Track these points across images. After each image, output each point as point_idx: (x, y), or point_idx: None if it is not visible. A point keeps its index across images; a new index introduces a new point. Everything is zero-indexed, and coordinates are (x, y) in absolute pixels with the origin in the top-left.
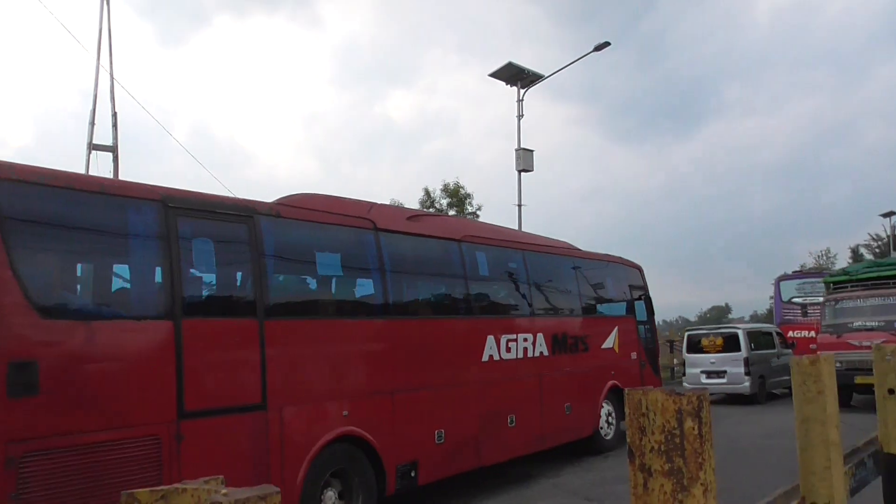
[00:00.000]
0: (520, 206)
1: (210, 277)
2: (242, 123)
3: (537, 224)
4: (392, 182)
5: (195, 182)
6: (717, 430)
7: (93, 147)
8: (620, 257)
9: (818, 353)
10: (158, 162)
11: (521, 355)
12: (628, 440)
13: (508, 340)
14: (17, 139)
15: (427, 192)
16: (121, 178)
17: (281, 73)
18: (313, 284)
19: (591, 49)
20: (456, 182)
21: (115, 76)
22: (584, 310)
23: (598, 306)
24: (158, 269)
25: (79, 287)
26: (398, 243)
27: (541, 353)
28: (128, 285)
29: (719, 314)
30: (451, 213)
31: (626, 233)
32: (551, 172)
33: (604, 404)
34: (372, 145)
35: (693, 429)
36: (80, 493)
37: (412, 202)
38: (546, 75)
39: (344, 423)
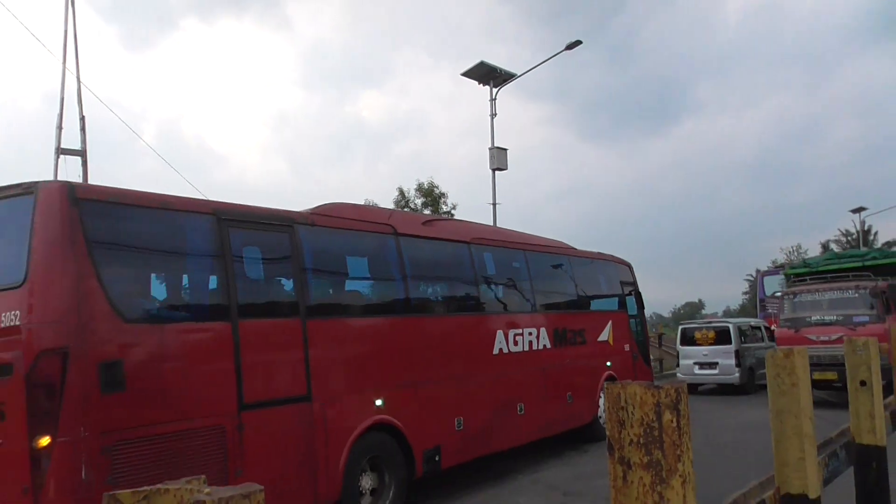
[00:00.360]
0: (494, 204)
1: (259, 282)
2: (212, 126)
3: (512, 222)
4: (365, 183)
5: (166, 185)
6: (700, 422)
7: (61, 151)
8: (612, 255)
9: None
10: (128, 165)
11: (526, 348)
12: (608, 433)
13: (515, 335)
14: None
15: (401, 192)
16: (90, 181)
17: (250, 76)
18: (346, 286)
19: (563, 48)
20: (430, 181)
21: (81, 80)
22: (581, 305)
23: (593, 302)
24: (216, 276)
25: (151, 294)
26: (416, 246)
27: (544, 346)
28: (191, 291)
29: (692, 310)
30: (426, 212)
31: (599, 231)
32: (525, 171)
33: (601, 393)
34: (343, 147)
35: (671, 421)
36: (160, 477)
37: (386, 202)
38: (518, 74)
39: (377, 412)
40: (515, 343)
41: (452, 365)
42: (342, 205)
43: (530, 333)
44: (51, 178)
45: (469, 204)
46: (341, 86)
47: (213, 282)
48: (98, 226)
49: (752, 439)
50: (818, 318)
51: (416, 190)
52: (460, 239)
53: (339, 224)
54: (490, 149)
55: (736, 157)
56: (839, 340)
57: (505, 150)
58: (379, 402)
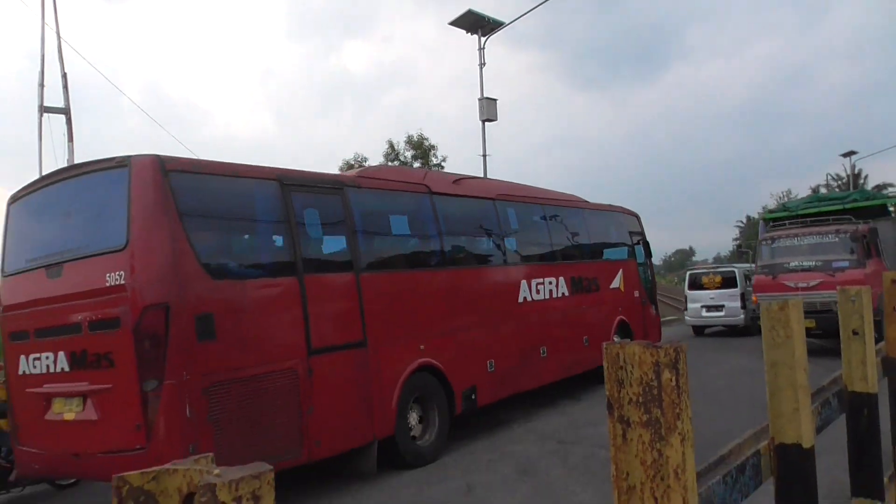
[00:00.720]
0: (485, 156)
1: (318, 240)
2: (196, 81)
3: (503, 174)
4: (352, 137)
5: (153, 142)
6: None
7: (44, 110)
8: (621, 206)
9: (755, 296)
10: (113, 122)
11: (547, 296)
12: (607, 393)
13: (537, 284)
14: None
15: (391, 145)
16: (75, 141)
17: (233, 28)
18: (390, 243)
19: None
20: (419, 134)
21: (61, 36)
22: (594, 255)
23: (605, 251)
24: (282, 236)
25: (231, 253)
26: (448, 204)
27: (562, 293)
28: (264, 250)
29: (683, 258)
30: (416, 165)
31: (590, 179)
32: (515, 122)
33: (615, 337)
34: (330, 99)
35: (671, 380)
36: (247, 413)
37: (376, 156)
38: (507, 22)
39: (421, 355)
40: (537, 292)
41: (483, 313)
42: (383, 168)
43: (550, 282)
44: (36, 136)
45: (459, 156)
46: (326, 34)
47: (280, 241)
48: (185, 193)
49: (745, 384)
50: (796, 263)
51: (406, 143)
52: (486, 196)
53: (382, 185)
54: (479, 100)
55: (726, 103)
56: (819, 287)
57: (494, 100)
58: (422, 347)
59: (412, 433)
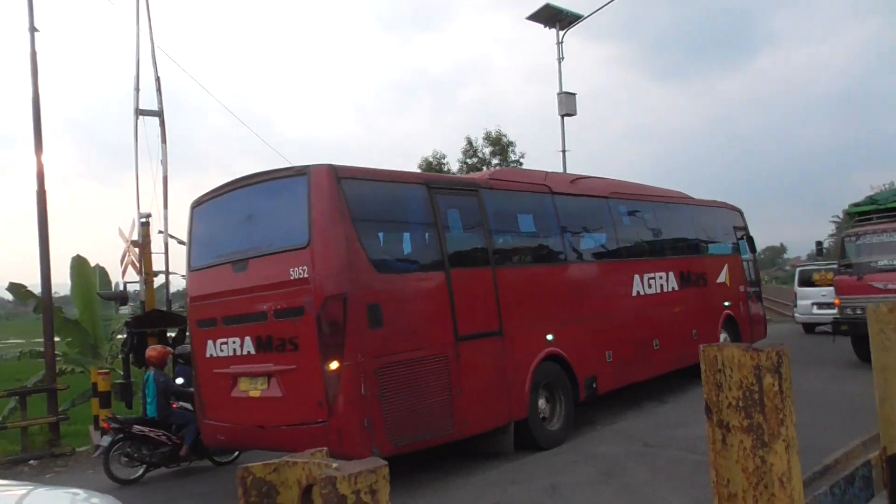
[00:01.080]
0: (564, 151)
1: (460, 238)
2: (280, 81)
3: (582, 168)
4: (431, 133)
5: (238, 141)
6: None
7: (139, 112)
8: (724, 202)
9: (837, 299)
10: (200, 122)
11: (658, 290)
12: (704, 396)
13: (649, 278)
14: (65, 109)
15: (469, 142)
16: (168, 141)
17: (314, 29)
18: (519, 239)
19: None
20: (498, 130)
21: (155, 41)
22: (701, 250)
23: (711, 246)
24: (431, 234)
25: (392, 250)
26: (567, 203)
27: (672, 288)
28: (417, 247)
29: (774, 255)
30: (494, 161)
31: (671, 172)
32: (592, 115)
33: (722, 331)
34: (408, 95)
35: (773, 385)
36: (409, 393)
37: (454, 152)
38: (585, 15)
39: (548, 345)
40: (649, 286)
41: (602, 305)
42: (508, 170)
43: (661, 277)
44: (132, 137)
45: (537, 152)
46: (402, 32)
47: (429, 238)
48: (354, 198)
49: (846, 387)
50: (886, 262)
51: (484, 139)
52: (601, 194)
53: (510, 186)
54: (558, 94)
55: (818, 90)
56: None
57: (573, 95)
58: (549, 337)
59: (542, 417)
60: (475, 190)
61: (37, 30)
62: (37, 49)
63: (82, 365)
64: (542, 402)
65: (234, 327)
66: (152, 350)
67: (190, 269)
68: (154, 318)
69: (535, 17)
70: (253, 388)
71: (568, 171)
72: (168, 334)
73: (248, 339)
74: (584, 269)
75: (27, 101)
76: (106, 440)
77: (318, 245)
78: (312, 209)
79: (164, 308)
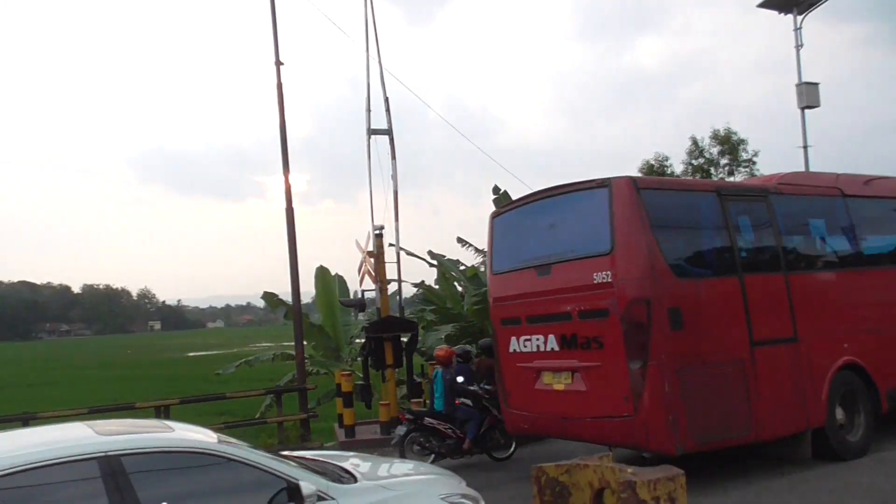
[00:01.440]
0: (805, 147)
1: (751, 243)
2: (492, 91)
3: (826, 165)
4: (651, 134)
5: (454, 152)
6: None
7: (371, 132)
8: None
9: None
10: (423, 137)
11: None
12: None
13: None
14: (300, 130)
15: (695, 142)
16: (397, 156)
17: (523, 37)
18: (810, 244)
19: None
20: (727, 128)
21: (383, 64)
22: None
23: None
24: (723, 240)
25: (688, 256)
26: (861, 205)
27: None
28: (711, 253)
29: None
30: (723, 161)
31: None
32: (837, 106)
33: None
34: (624, 97)
35: None
36: (707, 394)
37: (678, 153)
38: None
39: (845, 353)
40: None
41: None
42: (798, 173)
43: None
44: (365, 155)
45: (770, 149)
46: (616, 33)
47: (721, 244)
48: (653, 206)
49: None
50: None
51: (712, 138)
52: None
53: (800, 190)
54: (797, 85)
55: None
56: None
57: (816, 84)
58: (846, 345)
59: (840, 425)
60: (765, 195)
61: (282, 63)
62: (282, 80)
63: (326, 367)
64: (839, 412)
65: (538, 326)
66: (440, 350)
67: (492, 272)
68: (389, 324)
69: (767, 3)
70: (557, 382)
71: (811, 169)
72: (402, 339)
73: (551, 336)
74: (882, 275)
75: (274, 128)
76: (401, 430)
77: (622, 251)
78: (615, 218)
79: (398, 314)
